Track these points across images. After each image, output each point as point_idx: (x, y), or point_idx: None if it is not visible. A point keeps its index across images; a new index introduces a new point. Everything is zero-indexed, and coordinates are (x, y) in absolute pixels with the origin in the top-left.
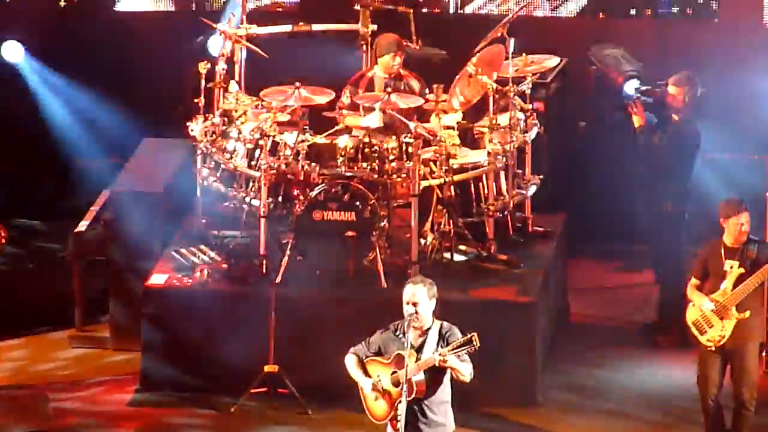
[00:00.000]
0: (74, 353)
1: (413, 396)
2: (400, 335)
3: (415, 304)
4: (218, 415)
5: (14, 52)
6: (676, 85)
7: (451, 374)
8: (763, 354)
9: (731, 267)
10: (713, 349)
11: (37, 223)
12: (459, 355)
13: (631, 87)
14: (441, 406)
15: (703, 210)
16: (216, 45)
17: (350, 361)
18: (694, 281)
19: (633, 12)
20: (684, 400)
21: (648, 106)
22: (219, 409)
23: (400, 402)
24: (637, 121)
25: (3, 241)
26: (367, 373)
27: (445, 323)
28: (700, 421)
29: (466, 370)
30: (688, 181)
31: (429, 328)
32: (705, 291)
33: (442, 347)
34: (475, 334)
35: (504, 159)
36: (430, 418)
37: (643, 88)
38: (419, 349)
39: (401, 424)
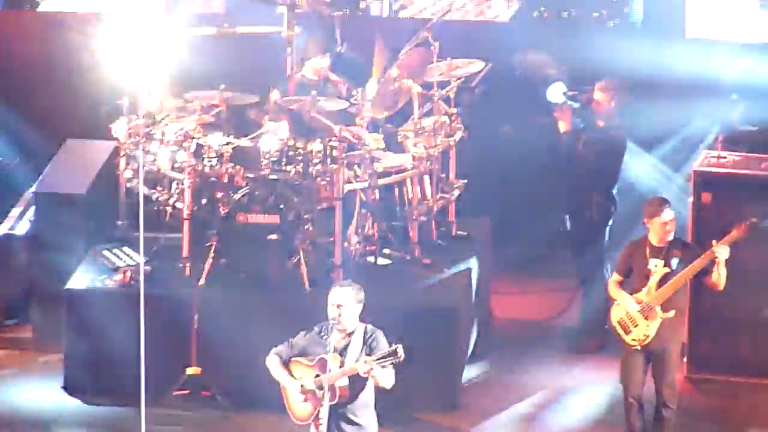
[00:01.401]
0: None
1: (336, 400)
2: (324, 336)
3: (339, 307)
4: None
5: None
6: (602, 90)
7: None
8: (684, 359)
9: (656, 266)
10: (638, 348)
11: None
12: (383, 364)
13: (554, 92)
14: (364, 409)
15: (631, 213)
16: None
17: (273, 362)
18: (616, 277)
19: (565, 15)
20: (606, 403)
21: (575, 110)
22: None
23: (323, 405)
24: (562, 126)
25: None
26: (291, 374)
27: (369, 326)
28: (622, 422)
29: (387, 380)
30: (612, 187)
31: (353, 331)
32: (628, 289)
33: (366, 352)
34: (400, 346)
35: (428, 163)
36: (354, 420)
37: (570, 93)
38: (342, 352)
39: (323, 428)
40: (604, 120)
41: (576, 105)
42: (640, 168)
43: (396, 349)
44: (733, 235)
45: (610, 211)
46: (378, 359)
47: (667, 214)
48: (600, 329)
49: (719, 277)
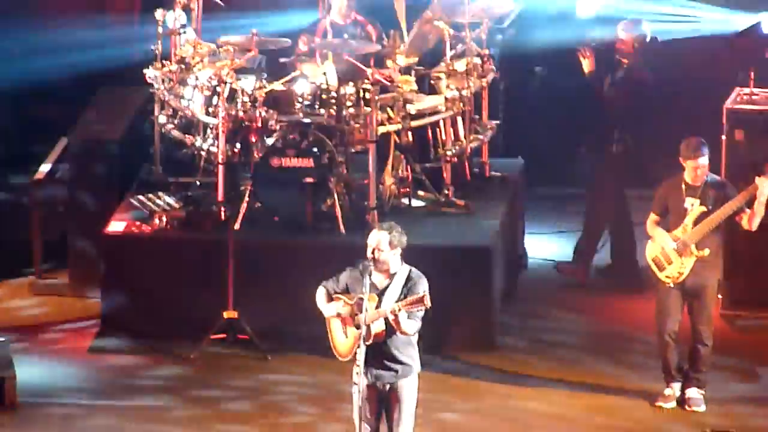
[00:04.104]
0: (34, 301)
1: (371, 341)
2: (365, 275)
3: (373, 250)
4: (178, 361)
5: None
6: (626, 30)
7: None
8: (719, 296)
9: (692, 205)
10: (672, 285)
11: None
12: (410, 313)
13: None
14: (406, 348)
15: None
16: None
17: (320, 295)
18: (653, 217)
19: None
20: (641, 341)
21: (598, 50)
22: (179, 355)
23: (359, 345)
24: (586, 66)
25: None
26: (334, 309)
27: (414, 271)
28: (658, 359)
29: (409, 328)
30: (640, 125)
31: (396, 273)
32: (665, 227)
33: (404, 295)
34: (427, 293)
35: (461, 104)
36: (396, 357)
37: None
38: (382, 293)
39: (360, 369)
40: (628, 59)
41: (601, 46)
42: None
43: (423, 296)
44: None
45: (638, 149)
46: (406, 305)
47: (702, 160)
48: (633, 266)
49: (754, 215)
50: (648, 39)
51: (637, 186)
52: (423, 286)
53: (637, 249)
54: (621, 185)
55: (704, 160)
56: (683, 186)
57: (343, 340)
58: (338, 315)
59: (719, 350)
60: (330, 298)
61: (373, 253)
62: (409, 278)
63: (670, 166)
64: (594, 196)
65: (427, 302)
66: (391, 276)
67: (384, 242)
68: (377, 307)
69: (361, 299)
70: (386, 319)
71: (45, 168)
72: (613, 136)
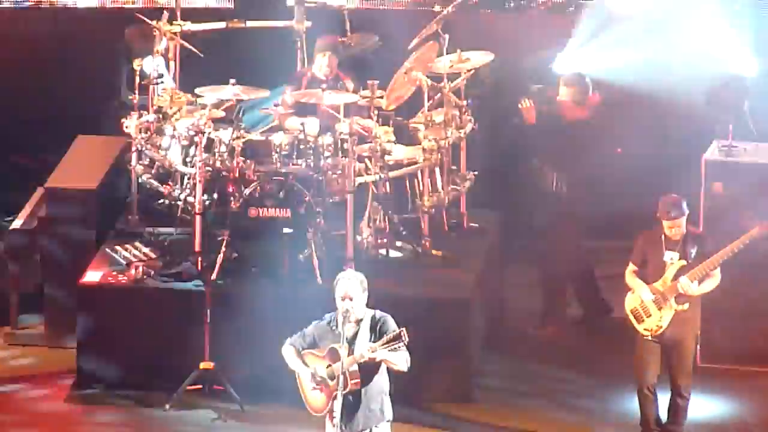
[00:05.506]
0: (9, 352)
1: (348, 389)
2: (335, 327)
3: (351, 299)
4: (154, 413)
5: None
6: (567, 85)
7: (387, 366)
8: (698, 346)
9: (671, 259)
10: (650, 338)
11: None
12: (391, 348)
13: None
14: (379, 396)
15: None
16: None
17: (288, 352)
18: (632, 267)
19: None
20: (618, 392)
21: (541, 102)
22: (155, 407)
23: (336, 396)
24: (527, 117)
25: None
26: (305, 365)
27: (378, 312)
28: (636, 412)
29: (400, 361)
30: (582, 176)
31: (361, 319)
32: (643, 279)
33: (374, 338)
34: (404, 328)
35: (439, 155)
36: (369, 407)
37: (536, 87)
38: (352, 341)
39: (337, 420)
40: (568, 112)
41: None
42: None
43: (400, 332)
44: (753, 233)
45: (581, 197)
46: (383, 344)
47: (678, 221)
48: (604, 312)
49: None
50: (590, 95)
51: (617, 238)
52: (392, 324)
53: (613, 299)
54: (571, 233)
55: (680, 221)
56: (663, 239)
57: (317, 395)
58: (314, 377)
59: (698, 402)
60: (300, 356)
61: (351, 300)
62: (374, 321)
63: (648, 218)
64: (545, 248)
65: (405, 337)
66: (358, 322)
67: (356, 288)
68: (350, 354)
69: (333, 349)
70: (361, 367)
71: (21, 217)
72: (549, 184)
